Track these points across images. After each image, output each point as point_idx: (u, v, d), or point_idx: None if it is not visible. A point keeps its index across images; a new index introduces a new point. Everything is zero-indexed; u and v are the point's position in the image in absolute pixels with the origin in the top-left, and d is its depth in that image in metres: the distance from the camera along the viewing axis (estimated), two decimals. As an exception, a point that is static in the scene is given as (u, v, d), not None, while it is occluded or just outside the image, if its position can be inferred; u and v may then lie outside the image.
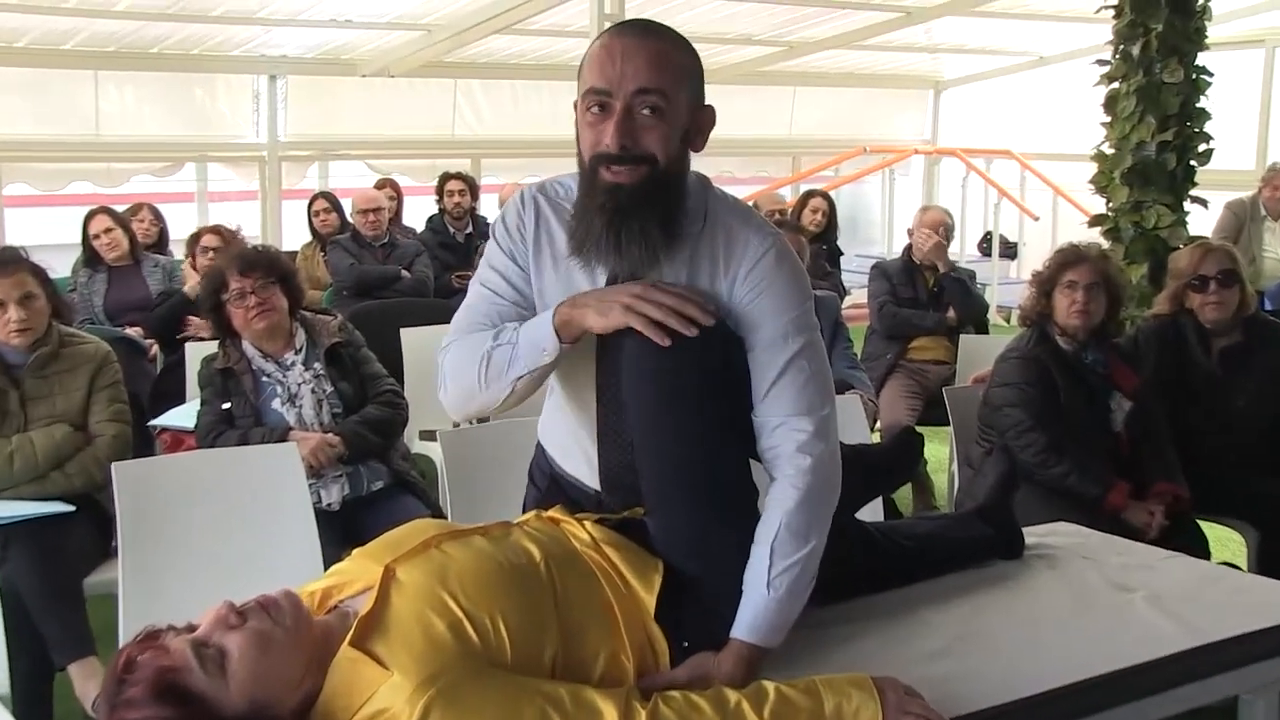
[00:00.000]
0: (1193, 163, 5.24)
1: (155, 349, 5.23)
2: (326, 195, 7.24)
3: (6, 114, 8.24)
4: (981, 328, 5.44)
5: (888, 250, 10.63)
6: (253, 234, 8.56)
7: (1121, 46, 5.24)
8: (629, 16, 6.26)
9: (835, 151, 11.09)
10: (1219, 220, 6.89)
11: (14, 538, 3.07)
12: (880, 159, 11.17)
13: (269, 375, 3.53)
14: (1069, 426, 3.42)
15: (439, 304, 5.77)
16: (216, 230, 5.41)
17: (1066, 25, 9.88)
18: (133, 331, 5.32)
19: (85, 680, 2.97)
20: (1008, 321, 9.22)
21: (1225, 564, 3.34)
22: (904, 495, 4.90)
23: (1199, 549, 3.24)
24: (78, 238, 5.79)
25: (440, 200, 7.17)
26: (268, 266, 3.56)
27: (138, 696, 1.50)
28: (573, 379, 2.00)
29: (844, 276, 7.19)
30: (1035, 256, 7.60)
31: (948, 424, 4.00)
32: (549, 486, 2.16)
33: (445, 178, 7.19)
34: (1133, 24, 5.16)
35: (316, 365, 3.57)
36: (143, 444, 3.96)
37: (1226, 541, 3.99)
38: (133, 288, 5.64)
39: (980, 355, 4.58)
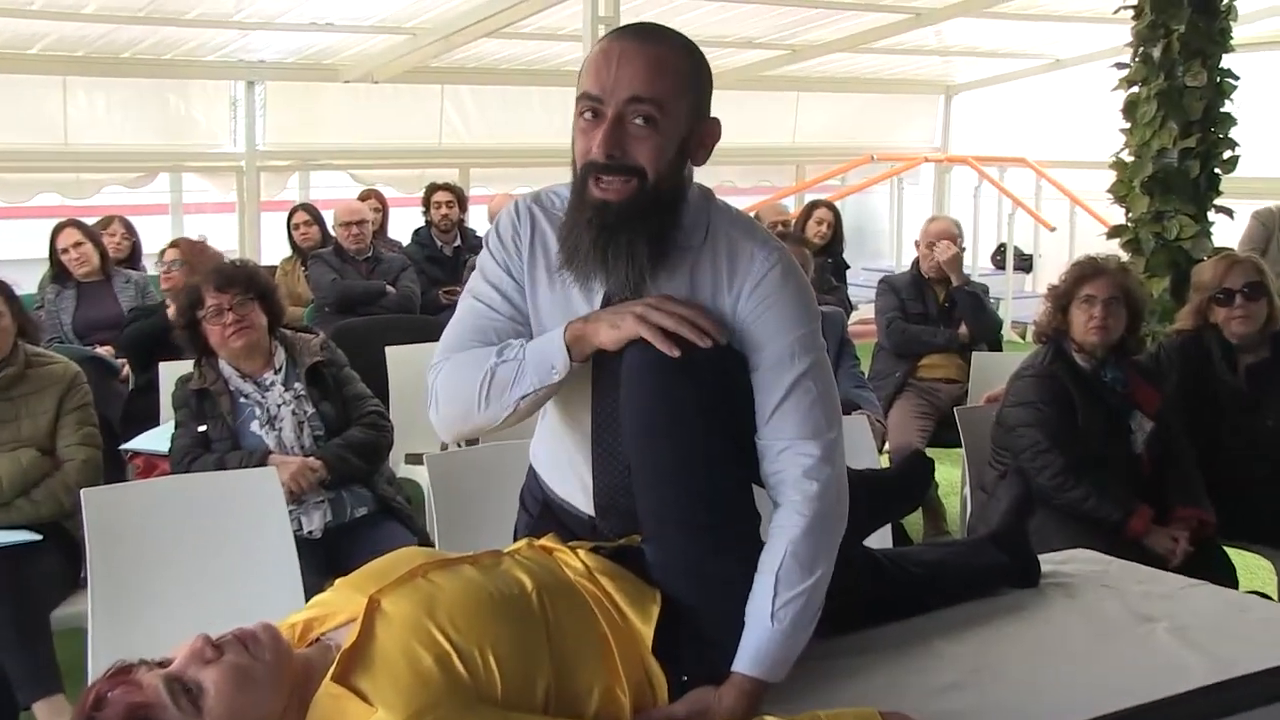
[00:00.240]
0: (1217, 170, 5.24)
1: (127, 369, 5.20)
2: (307, 207, 7.24)
3: (-31, 122, 8.24)
4: (995, 344, 5.46)
5: (896, 263, 10.67)
6: (230, 247, 8.58)
7: (1141, 48, 5.25)
8: (624, 18, 6.33)
9: (841, 160, 11.09)
10: (1246, 231, 6.88)
11: (-23, 568, 3.07)
12: (888, 167, 11.22)
13: (247, 396, 3.53)
14: (1087, 448, 3.43)
15: (426, 321, 5.78)
16: (175, 244, 5.34)
17: (1084, 26, 9.88)
18: (103, 351, 5.32)
19: (52, 719, 2.97)
20: (1023, 338, 9.24)
21: (1254, 593, 3.33)
22: (914, 521, 4.90)
23: (1226, 577, 3.25)
24: (45, 252, 5.78)
25: (427, 212, 7.19)
26: (246, 282, 3.56)
27: (108, 735, 1.49)
28: (567, 398, 2.00)
29: (850, 291, 7.19)
30: (1051, 269, 7.60)
31: (959, 445, 4.01)
32: (541, 512, 2.16)
33: (432, 189, 7.21)
34: (1153, 25, 5.16)
35: (297, 385, 3.57)
36: (114, 469, 3.95)
37: (1255, 569, 3.99)
38: (103, 305, 5.64)
39: (994, 373, 4.59)
